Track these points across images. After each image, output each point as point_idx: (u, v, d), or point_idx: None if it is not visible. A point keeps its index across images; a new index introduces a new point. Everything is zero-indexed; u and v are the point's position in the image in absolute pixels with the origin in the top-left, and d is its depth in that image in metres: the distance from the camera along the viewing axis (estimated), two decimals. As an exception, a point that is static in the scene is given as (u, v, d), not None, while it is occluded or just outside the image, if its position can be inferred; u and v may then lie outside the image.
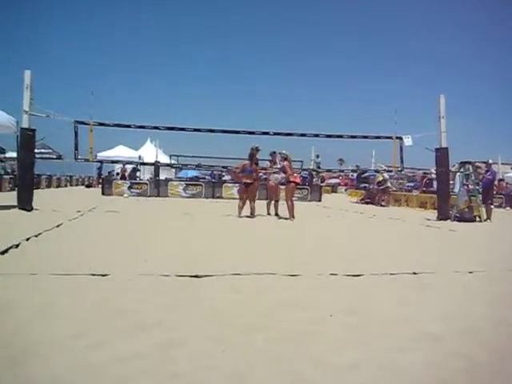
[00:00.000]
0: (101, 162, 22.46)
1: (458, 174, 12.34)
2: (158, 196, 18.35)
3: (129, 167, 22.81)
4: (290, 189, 10.08)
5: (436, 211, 11.54)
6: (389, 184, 18.63)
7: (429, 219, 10.83)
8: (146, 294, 3.36)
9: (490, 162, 12.86)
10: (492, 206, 11.96)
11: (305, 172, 23.31)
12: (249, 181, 10.02)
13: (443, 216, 10.82)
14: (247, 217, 9.78)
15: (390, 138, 12.88)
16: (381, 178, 18.02)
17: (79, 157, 11.72)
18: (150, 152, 25.38)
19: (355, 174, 28.74)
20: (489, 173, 12.14)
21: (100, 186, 22.00)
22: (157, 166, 20.18)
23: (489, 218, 11.34)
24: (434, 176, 23.30)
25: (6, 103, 17.35)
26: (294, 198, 10.14)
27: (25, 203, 9.72)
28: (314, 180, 24.57)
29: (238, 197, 14.78)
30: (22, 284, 3.50)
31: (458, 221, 10.53)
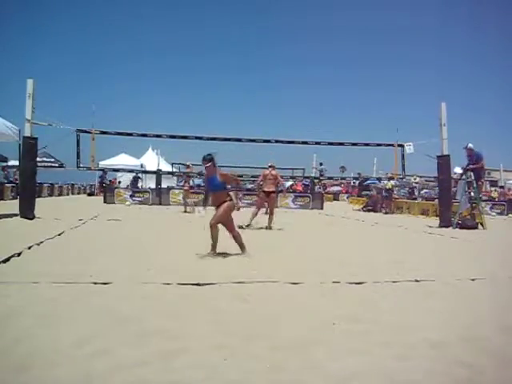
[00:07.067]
0: (103, 170, 22.51)
1: (460, 181, 12.18)
2: (160, 204, 18.36)
3: (130, 176, 22.87)
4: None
5: (438, 218, 11.53)
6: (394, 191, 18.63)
7: (431, 226, 10.80)
8: (147, 302, 3.36)
9: (470, 146, 11.47)
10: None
11: (306, 180, 23.38)
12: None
13: (445, 223, 10.79)
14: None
15: (392, 145, 12.89)
16: (389, 186, 17.93)
17: (81, 165, 11.78)
18: (151, 160, 25.44)
19: (357, 182, 28.73)
20: (474, 158, 11.27)
21: (102, 194, 22.06)
22: (159, 174, 20.21)
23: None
24: (414, 185, 23.43)
25: (8, 111, 17.40)
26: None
27: (27, 212, 9.75)
28: (316, 188, 24.57)
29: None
30: (24, 292, 3.51)
31: (460, 228, 10.49)
